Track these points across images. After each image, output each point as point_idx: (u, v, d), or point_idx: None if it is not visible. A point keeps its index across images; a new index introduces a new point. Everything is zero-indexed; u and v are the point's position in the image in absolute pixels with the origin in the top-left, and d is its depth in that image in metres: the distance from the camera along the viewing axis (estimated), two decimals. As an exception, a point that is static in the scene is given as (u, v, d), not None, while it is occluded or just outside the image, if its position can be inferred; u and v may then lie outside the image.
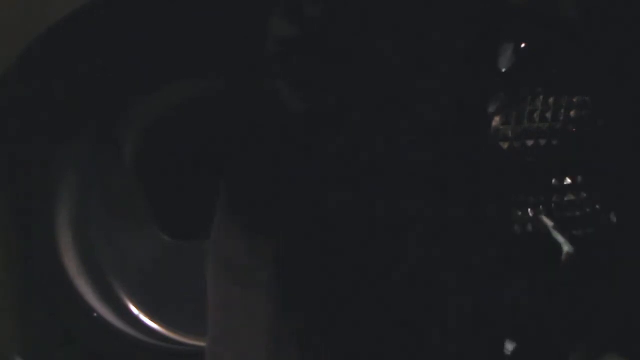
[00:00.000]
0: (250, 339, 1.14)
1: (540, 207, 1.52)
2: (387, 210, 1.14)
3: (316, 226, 1.13)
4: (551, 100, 1.49)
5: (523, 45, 1.40)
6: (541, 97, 1.48)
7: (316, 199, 1.14)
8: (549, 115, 1.49)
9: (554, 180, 1.53)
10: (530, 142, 1.50)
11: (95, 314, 1.68)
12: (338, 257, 1.13)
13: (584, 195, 1.54)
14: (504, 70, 1.40)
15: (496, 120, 1.47)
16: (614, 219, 1.55)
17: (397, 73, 1.15)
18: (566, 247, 1.45)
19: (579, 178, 1.53)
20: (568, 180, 1.53)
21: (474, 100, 1.23)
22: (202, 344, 1.68)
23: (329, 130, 1.15)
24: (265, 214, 1.16)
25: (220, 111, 1.58)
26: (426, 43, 1.15)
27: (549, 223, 1.48)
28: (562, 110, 1.50)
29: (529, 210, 1.52)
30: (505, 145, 1.48)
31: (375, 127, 1.15)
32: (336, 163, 1.15)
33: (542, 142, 1.50)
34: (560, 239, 1.46)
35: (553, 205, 1.52)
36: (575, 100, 1.50)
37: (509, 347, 1.43)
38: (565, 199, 1.53)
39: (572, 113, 1.50)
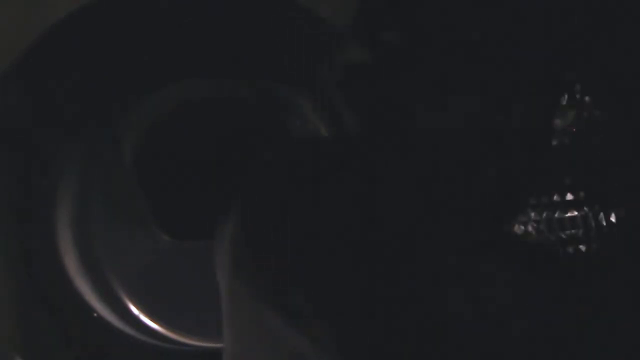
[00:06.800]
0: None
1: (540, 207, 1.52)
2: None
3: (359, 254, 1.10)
4: (551, 100, 1.49)
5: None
6: (541, 97, 1.48)
7: (361, 225, 1.11)
8: (549, 115, 1.49)
9: (553, 181, 1.53)
10: (530, 142, 1.50)
11: (95, 314, 1.68)
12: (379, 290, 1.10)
13: (584, 195, 1.54)
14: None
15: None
16: (614, 219, 1.55)
17: (471, 106, 1.12)
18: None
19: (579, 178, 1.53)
20: (568, 181, 1.53)
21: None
22: (202, 344, 1.69)
23: (385, 157, 1.12)
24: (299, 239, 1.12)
25: (224, 112, 1.58)
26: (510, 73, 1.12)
27: None
28: (562, 111, 1.50)
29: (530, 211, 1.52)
30: (505, 145, 1.48)
31: (440, 158, 1.12)
32: (393, 189, 1.12)
33: (542, 142, 1.50)
34: None
35: (553, 205, 1.52)
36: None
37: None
38: (565, 199, 1.53)
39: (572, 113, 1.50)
